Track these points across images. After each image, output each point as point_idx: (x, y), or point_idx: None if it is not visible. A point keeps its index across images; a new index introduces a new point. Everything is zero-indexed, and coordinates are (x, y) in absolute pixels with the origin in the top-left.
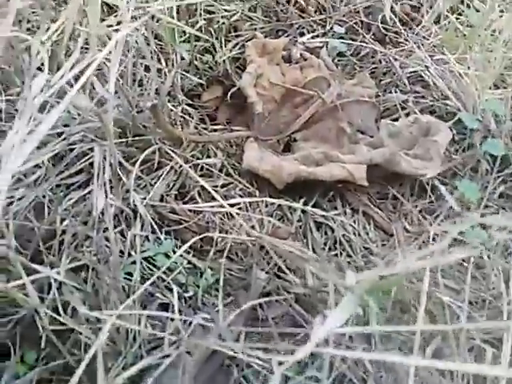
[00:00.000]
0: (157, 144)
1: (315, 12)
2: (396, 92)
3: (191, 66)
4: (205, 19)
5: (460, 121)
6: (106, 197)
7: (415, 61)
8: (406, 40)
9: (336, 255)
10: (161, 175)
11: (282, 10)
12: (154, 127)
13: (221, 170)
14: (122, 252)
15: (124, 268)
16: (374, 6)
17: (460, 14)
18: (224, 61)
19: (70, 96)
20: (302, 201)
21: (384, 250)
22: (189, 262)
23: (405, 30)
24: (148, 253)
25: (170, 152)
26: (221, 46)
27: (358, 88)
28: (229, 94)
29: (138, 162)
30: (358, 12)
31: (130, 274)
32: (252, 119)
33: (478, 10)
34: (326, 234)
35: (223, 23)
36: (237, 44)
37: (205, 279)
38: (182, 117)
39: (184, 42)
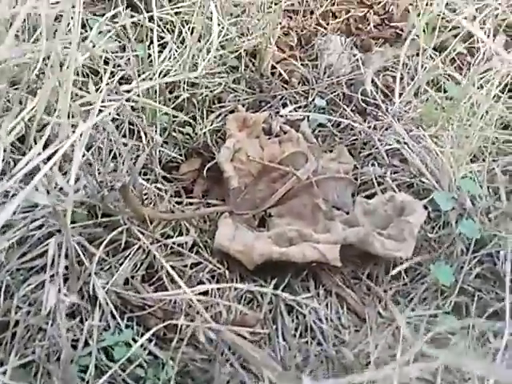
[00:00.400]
0: (125, 224)
1: (298, 83)
2: (374, 165)
3: (169, 137)
4: (188, 90)
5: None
6: (59, 291)
7: (393, 135)
8: (386, 113)
9: (307, 343)
10: (127, 256)
11: (265, 82)
12: (123, 207)
13: (192, 248)
14: (78, 341)
15: (79, 360)
16: (356, 77)
17: (440, 88)
18: (204, 133)
19: (24, 193)
20: (273, 282)
21: (356, 337)
22: (150, 353)
23: (384, 102)
24: (106, 342)
25: (138, 232)
26: (202, 118)
27: (335, 163)
28: (205, 168)
29: (103, 246)
30: (341, 84)
31: (87, 367)
32: (228, 194)
33: (458, 83)
34: (297, 318)
35: (206, 95)
36: (219, 115)
37: (165, 372)
38: (156, 191)
39: (165, 114)
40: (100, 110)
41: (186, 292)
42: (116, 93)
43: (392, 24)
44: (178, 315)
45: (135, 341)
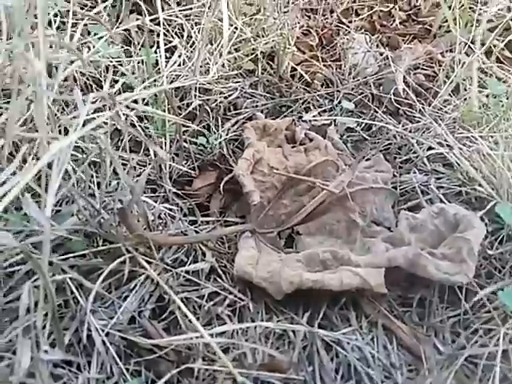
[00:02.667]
0: (128, 252)
1: (322, 86)
2: (415, 173)
3: (180, 149)
4: (200, 97)
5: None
6: (38, 345)
7: (434, 138)
8: (422, 113)
9: None
10: (132, 289)
11: (285, 85)
12: (122, 233)
13: (209, 275)
14: None
15: None
16: (385, 77)
17: (480, 85)
18: (220, 143)
19: None
20: (306, 315)
21: (411, 379)
22: None
23: (419, 102)
24: None
25: (143, 260)
26: (216, 127)
27: (371, 172)
28: (222, 182)
29: (100, 279)
30: (368, 84)
31: None
32: (249, 210)
33: (499, 79)
34: (337, 357)
35: (221, 102)
36: (236, 123)
37: None
38: (167, 211)
39: (175, 123)
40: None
41: (202, 336)
42: (112, 101)
43: (420, 19)
44: (194, 358)
45: None
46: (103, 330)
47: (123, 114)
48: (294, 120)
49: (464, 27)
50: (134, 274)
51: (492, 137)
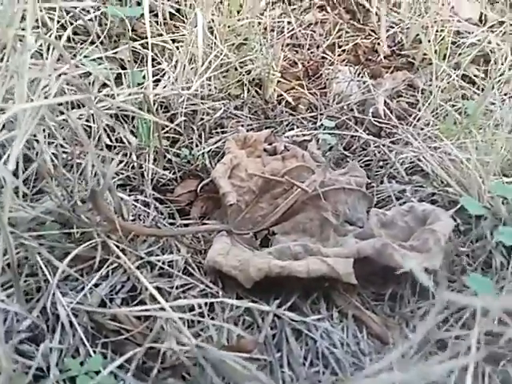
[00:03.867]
0: (99, 237)
1: (306, 110)
2: (391, 183)
3: (160, 161)
4: (186, 115)
5: (464, 209)
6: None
7: (412, 151)
8: (402, 131)
9: (318, 372)
10: (106, 276)
11: (270, 109)
12: (95, 218)
13: (183, 270)
14: (38, 369)
15: None
16: (367, 102)
17: (457, 109)
18: (203, 154)
19: None
20: (276, 303)
21: (379, 365)
22: None
23: (400, 123)
24: (69, 371)
25: (116, 247)
26: (200, 142)
27: (346, 177)
28: (201, 184)
29: (68, 259)
30: (350, 109)
31: None
32: (225, 212)
33: (468, 98)
34: (306, 344)
35: (207, 121)
36: (220, 140)
37: None
38: (144, 211)
39: (159, 137)
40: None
41: (164, 308)
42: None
43: (403, 53)
44: (160, 340)
45: (110, 372)
46: (72, 310)
47: (103, 118)
48: (272, 131)
49: (443, 59)
50: (106, 263)
51: (464, 144)
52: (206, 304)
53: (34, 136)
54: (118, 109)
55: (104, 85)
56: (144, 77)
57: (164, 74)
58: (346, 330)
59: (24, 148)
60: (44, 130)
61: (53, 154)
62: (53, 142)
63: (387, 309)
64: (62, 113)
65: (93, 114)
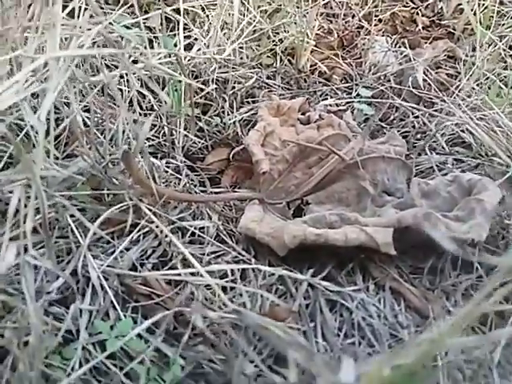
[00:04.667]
0: (131, 200)
1: (341, 81)
2: (432, 154)
3: (191, 128)
4: (217, 83)
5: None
6: (26, 250)
7: (454, 121)
8: (443, 101)
9: (353, 344)
10: (137, 240)
11: (303, 78)
12: (126, 181)
13: (215, 237)
14: (68, 331)
15: (63, 352)
16: (405, 73)
17: (501, 79)
18: (234, 123)
19: None
20: (310, 272)
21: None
22: (156, 350)
23: (441, 94)
24: (99, 336)
25: (148, 210)
26: (231, 110)
27: (385, 146)
28: (232, 152)
29: (99, 221)
30: (388, 79)
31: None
32: (258, 181)
33: None
34: (341, 315)
35: (238, 90)
36: (251, 109)
37: (172, 373)
38: (176, 177)
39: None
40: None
41: (199, 273)
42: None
43: (443, 23)
44: (191, 306)
45: (139, 336)
46: (102, 273)
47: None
48: (308, 99)
49: (487, 28)
50: (137, 227)
51: (510, 115)
52: (238, 270)
53: (66, 98)
54: (148, 74)
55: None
56: (175, 44)
57: (196, 41)
58: (382, 302)
59: (55, 109)
60: (75, 93)
61: (85, 116)
62: (85, 106)
63: (426, 282)
64: (94, 75)
65: (125, 77)
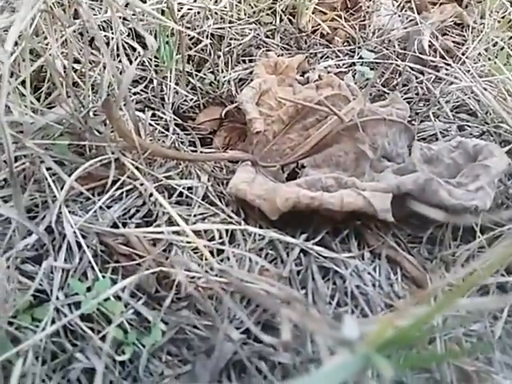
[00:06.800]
0: (113, 154)
1: (343, 43)
2: (435, 121)
3: (181, 84)
4: (212, 39)
5: None
6: None
7: (459, 86)
8: (449, 65)
9: (346, 312)
10: (119, 197)
11: (303, 39)
12: (108, 132)
13: (203, 198)
14: (42, 291)
15: (34, 311)
16: (411, 37)
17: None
18: (229, 81)
19: None
20: (302, 237)
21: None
22: (136, 312)
23: (447, 60)
24: (75, 298)
25: (129, 164)
26: (226, 68)
27: (387, 108)
28: (225, 110)
29: (75, 174)
30: (393, 45)
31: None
32: (251, 141)
33: None
34: (334, 283)
35: (235, 46)
36: (247, 68)
37: (152, 338)
38: (163, 135)
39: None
40: None
41: (185, 232)
42: None
43: None
44: (176, 269)
45: (118, 298)
46: (80, 230)
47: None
48: (307, 57)
49: None
50: (120, 184)
51: None
52: (226, 232)
53: (47, 45)
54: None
55: None
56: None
57: None
58: (378, 270)
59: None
60: (57, 39)
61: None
62: (65, 53)
63: (425, 251)
64: (76, 18)
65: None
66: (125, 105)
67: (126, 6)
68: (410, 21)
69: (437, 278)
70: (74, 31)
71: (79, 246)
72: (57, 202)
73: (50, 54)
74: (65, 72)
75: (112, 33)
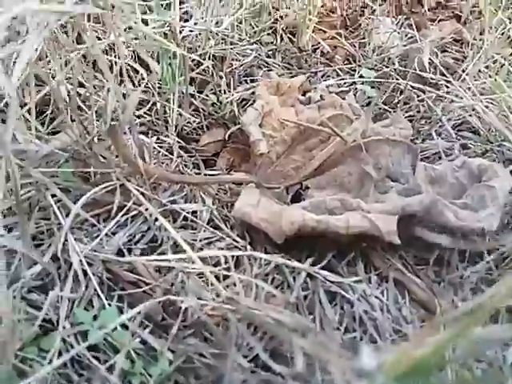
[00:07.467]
0: (118, 180)
1: (343, 61)
2: (437, 139)
3: (184, 106)
4: (214, 60)
5: None
6: None
7: (461, 104)
8: (449, 82)
9: (355, 338)
10: (122, 224)
11: (304, 58)
12: (113, 158)
13: (208, 222)
14: (48, 321)
15: (41, 342)
16: (410, 55)
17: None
18: (231, 102)
19: None
20: (309, 261)
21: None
22: (143, 342)
23: (447, 77)
24: (81, 326)
25: (135, 190)
26: (228, 89)
27: (390, 128)
28: (228, 132)
29: (81, 201)
30: (393, 62)
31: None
32: (255, 163)
33: None
34: (341, 308)
35: (237, 67)
36: (249, 88)
37: (159, 367)
38: (167, 158)
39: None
40: None
41: (191, 259)
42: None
43: (449, 4)
44: (181, 295)
45: (125, 327)
46: (86, 258)
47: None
48: (309, 77)
49: (494, 12)
50: (125, 210)
51: None
52: (232, 258)
53: (50, 70)
54: (139, 43)
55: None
56: (171, 17)
57: (191, 15)
58: (386, 294)
59: (40, 82)
60: (62, 64)
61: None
62: (69, 78)
63: (432, 274)
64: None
65: (115, 49)
66: (129, 129)
67: (130, 28)
68: (410, 38)
69: (445, 302)
70: (78, 55)
71: (85, 273)
72: (62, 231)
73: (54, 80)
74: (69, 97)
75: (115, 56)
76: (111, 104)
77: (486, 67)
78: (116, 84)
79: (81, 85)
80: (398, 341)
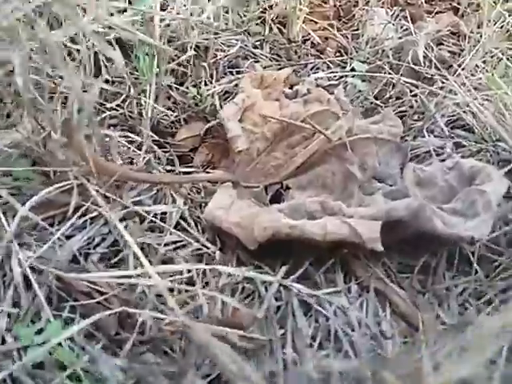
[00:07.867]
0: (76, 179)
1: (335, 53)
2: (429, 136)
3: (161, 97)
4: (197, 50)
5: None
6: None
7: (456, 101)
8: (444, 78)
9: (328, 356)
10: (82, 226)
11: (294, 49)
12: (71, 156)
13: (177, 225)
14: None
15: None
16: (405, 48)
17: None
18: (212, 95)
19: None
20: (283, 270)
21: (404, 351)
22: (92, 358)
23: (442, 71)
24: (22, 341)
25: (93, 190)
26: (210, 80)
27: (379, 125)
28: (206, 126)
29: (28, 203)
30: (387, 55)
31: None
32: (233, 160)
33: None
34: (316, 321)
35: (221, 58)
36: (233, 80)
37: None
38: (138, 154)
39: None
40: None
41: (148, 274)
42: None
43: None
44: (140, 308)
45: (73, 341)
46: (33, 265)
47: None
48: (294, 71)
49: (493, 5)
50: (82, 211)
51: None
52: (198, 274)
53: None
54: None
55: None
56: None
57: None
58: (365, 307)
59: None
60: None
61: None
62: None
63: (417, 284)
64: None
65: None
66: (89, 124)
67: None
68: (405, 30)
69: (428, 315)
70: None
71: (29, 283)
72: (5, 236)
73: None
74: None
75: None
76: (72, 97)
77: (484, 62)
78: (78, 75)
79: (48, 76)
80: (376, 358)
